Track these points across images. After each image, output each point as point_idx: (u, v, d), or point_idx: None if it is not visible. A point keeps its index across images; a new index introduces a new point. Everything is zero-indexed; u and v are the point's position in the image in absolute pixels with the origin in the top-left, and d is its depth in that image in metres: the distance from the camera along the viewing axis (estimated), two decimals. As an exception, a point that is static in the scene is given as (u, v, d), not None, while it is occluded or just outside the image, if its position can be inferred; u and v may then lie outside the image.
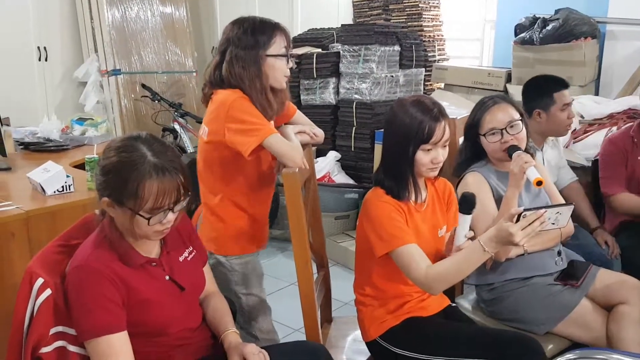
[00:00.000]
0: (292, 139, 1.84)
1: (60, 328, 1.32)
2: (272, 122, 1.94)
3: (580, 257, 2.21)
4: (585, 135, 3.35)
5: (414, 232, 1.70)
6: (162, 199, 1.31)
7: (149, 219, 1.32)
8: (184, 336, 1.49)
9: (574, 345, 1.98)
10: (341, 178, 4.12)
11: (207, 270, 1.65)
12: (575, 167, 3.26)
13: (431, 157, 1.66)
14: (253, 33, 1.79)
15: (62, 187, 2.27)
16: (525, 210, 1.45)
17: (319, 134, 2.05)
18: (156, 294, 1.41)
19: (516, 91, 3.88)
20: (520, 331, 1.86)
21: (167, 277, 1.46)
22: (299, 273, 1.65)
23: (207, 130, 1.84)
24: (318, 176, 3.98)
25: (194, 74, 5.45)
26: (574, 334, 1.94)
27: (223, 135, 1.76)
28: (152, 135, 1.39)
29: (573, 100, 2.51)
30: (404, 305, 1.79)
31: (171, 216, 1.36)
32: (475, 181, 2.04)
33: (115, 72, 4.87)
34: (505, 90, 4.18)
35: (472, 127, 2.07)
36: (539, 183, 1.81)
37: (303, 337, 2.56)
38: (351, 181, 4.16)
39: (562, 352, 1.91)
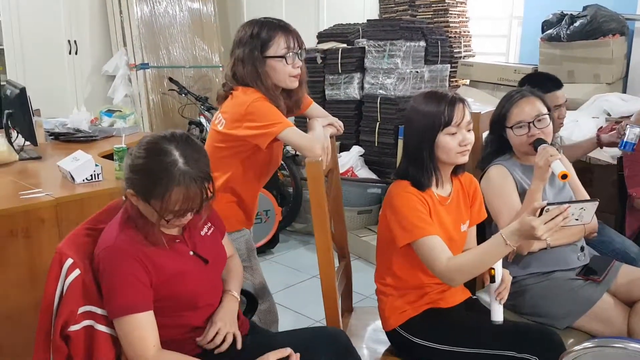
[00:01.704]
0: (318, 132, 1.88)
1: (88, 307, 1.37)
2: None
3: (604, 254, 2.20)
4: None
5: (438, 225, 1.70)
6: (187, 205, 1.36)
7: (168, 220, 1.38)
8: (208, 314, 1.54)
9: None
10: (364, 173, 4.13)
11: (226, 240, 1.70)
12: (600, 165, 3.24)
13: (459, 140, 1.67)
14: (253, 35, 1.85)
15: (91, 175, 2.32)
16: (548, 204, 1.45)
17: (341, 127, 2.11)
18: (182, 268, 1.46)
19: (542, 88, 3.84)
20: (540, 324, 1.85)
21: (191, 252, 1.51)
22: (320, 258, 1.68)
23: (224, 122, 1.89)
24: (341, 171, 4.00)
25: (221, 69, 5.49)
26: (595, 329, 1.92)
27: (240, 131, 1.82)
28: (186, 137, 1.41)
29: (567, 101, 2.48)
30: (424, 296, 1.80)
31: (190, 215, 1.41)
32: (499, 174, 2.04)
33: (144, 66, 4.95)
34: (532, 87, 4.14)
35: (499, 119, 2.06)
36: (564, 177, 1.80)
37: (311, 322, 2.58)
38: (374, 176, 4.17)
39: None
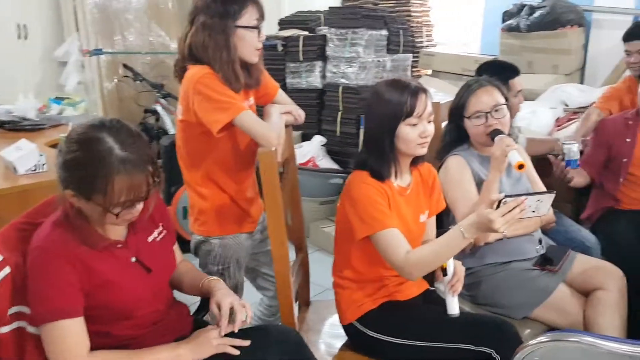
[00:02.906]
0: (274, 119, 1.80)
1: (19, 308, 1.28)
2: (251, 100, 1.90)
3: (561, 243, 2.21)
4: (568, 123, 3.33)
5: (397, 216, 1.67)
6: (133, 193, 1.26)
7: (117, 214, 1.28)
8: (155, 318, 1.45)
9: (551, 330, 1.98)
10: (326, 163, 4.08)
11: (176, 248, 1.61)
12: (558, 155, 3.27)
13: (419, 132, 1.64)
14: (223, 1, 1.72)
15: (35, 166, 2.22)
16: (506, 196, 1.43)
17: (302, 115, 2.01)
18: (120, 276, 1.36)
19: (502, 78, 3.86)
20: (497, 316, 1.85)
21: (133, 259, 1.41)
22: (275, 253, 1.62)
23: (180, 108, 1.79)
24: (303, 160, 3.94)
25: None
26: (551, 319, 1.93)
27: (193, 113, 1.72)
28: (117, 121, 1.31)
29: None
30: (382, 288, 1.77)
31: (140, 206, 1.31)
32: (457, 164, 2.02)
33: (97, 52, 4.77)
34: (492, 78, 4.15)
35: (457, 109, 2.04)
36: (521, 167, 1.79)
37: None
38: (336, 166, 4.12)
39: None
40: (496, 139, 1.89)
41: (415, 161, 1.78)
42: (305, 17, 4.62)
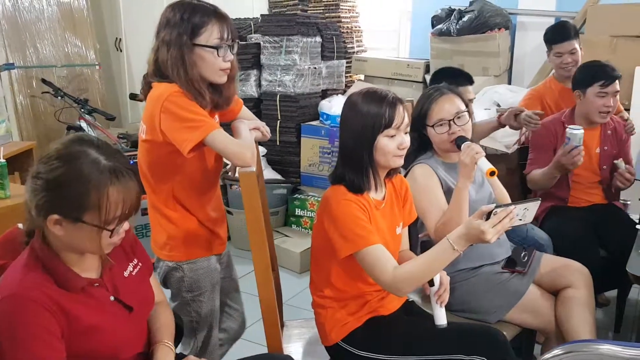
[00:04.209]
0: (245, 136, 1.71)
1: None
2: (216, 118, 1.80)
3: (516, 243, 2.27)
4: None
5: (376, 231, 1.63)
6: (128, 205, 1.18)
7: (112, 231, 1.18)
8: None
9: (525, 331, 2.02)
10: (268, 174, 4.00)
11: (152, 280, 1.50)
12: (496, 155, 3.38)
13: (397, 143, 1.61)
14: (183, 17, 1.62)
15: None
16: (496, 207, 1.43)
17: (269, 130, 1.95)
18: (101, 318, 1.24)
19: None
20: (483, 323, 1.86)
21: (112, 298, 1.29)
22: (259, 279, 1.53)
23: (144, 128, 1.67)
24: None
25: (97, 67, 5.07)
26: (525, 320, 1.97)
27: (159, 133, 1.61)
28: (87, 135, 1.25)
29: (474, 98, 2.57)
30: (365, 305, 1.73)
31: (127, 225, 1.22)
32: (423, 173, 2.01)
33: (8, 67, 4.41)
34: (424, 82, 4.24)
35: (419, 118, 2.03)
36: (492, 173, 1.80)
37: (242, 343, 2.43)
38: (279, 176, 4.05)
39: (514, 339, 1.94)
40: (463, 146, 1.90)
41: (390, 173, 1.75)
42: (235, 25, 4.50)
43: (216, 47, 1.64)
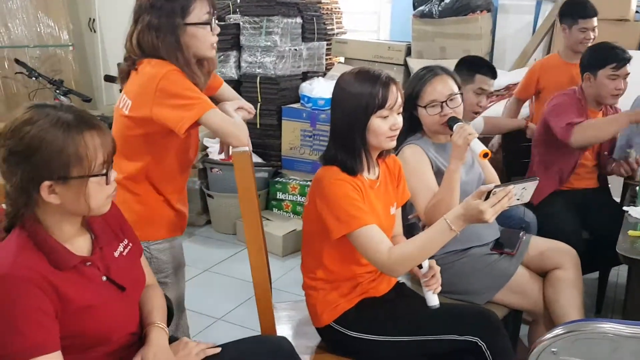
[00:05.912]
0: (233, 116, 1.68)
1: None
2: None
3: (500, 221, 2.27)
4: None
5: (370, 211, 1.61)
6: (106, 148, 1.18)
7: (105, 175, 1.18)
8: (127, 343, 1.32)
9: (513, 311, 2.04)
10: (248, 157, 3.94)
11: (143, 261, 1.48)
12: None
13: (390, 124, 1.59)
14: None
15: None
16: (495, 187, 1.42)
17: (253, 109, 1.92)
18: (94, 298, 1.22)
19: (416, 65, 3.93)
20: (472, 304, 1.86)
21: (104, 278, 1.27)
22: (253, 261, 1.51)
23: (129, 103, 1.63)
24: (225, 156, 3.77)
25: (71, 47, 4.93)
26: (513, 301, 1.99)
27: (150, 111, 1.57)
28: (44, 102, 1.23)
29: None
30: (357, 286, 1.71)
31: (114, 176, 1.23)
32: (414, 154, 2.00)
33: (-23, 46, 4.27)
34: (405, 64, 4.22)
35: (411, 99, 2.01)
36: (485, 155, 1.79)
37: (228, 326, 2.42)
38: (259, 159, 4.00)
39: (503, 319, 1.95)
40: (455, 127, 1.89)
41: (383, 153, 1.73)
42: (212, 4, 4.40)
43: (208, 23, 1.62)
